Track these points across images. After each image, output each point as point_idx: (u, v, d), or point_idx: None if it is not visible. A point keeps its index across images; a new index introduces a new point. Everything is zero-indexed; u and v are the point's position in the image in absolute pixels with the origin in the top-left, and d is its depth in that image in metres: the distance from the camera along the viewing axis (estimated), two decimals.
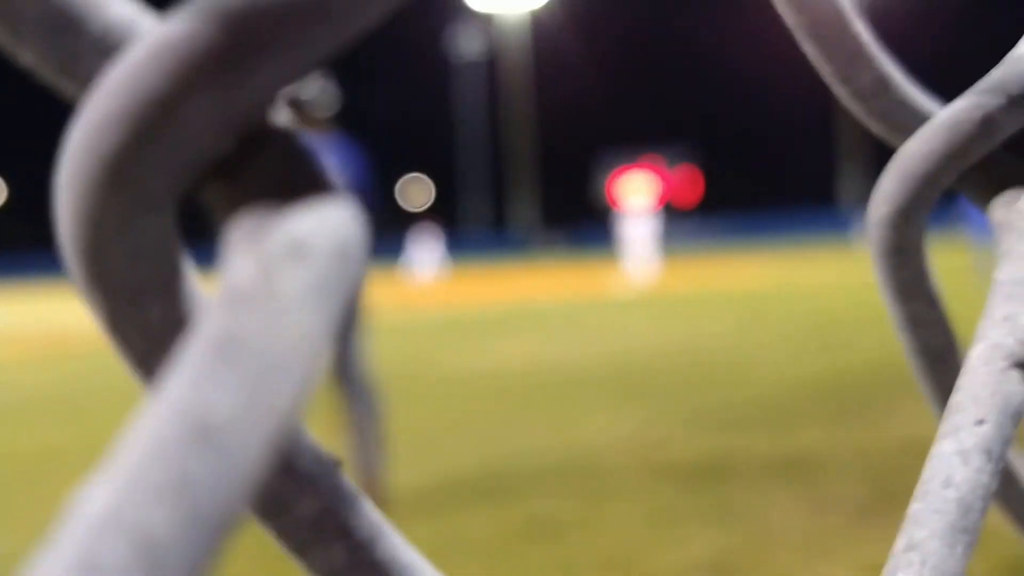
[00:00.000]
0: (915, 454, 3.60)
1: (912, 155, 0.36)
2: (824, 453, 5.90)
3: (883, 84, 0.37)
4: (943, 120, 0.36)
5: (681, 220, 62.60)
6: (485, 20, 69.81)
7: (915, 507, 0.31)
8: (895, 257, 0.38)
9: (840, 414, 7.01)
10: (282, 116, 0.19)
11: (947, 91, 0.37)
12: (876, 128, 0.38)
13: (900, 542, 0.30)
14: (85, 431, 7.42)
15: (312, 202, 0.18)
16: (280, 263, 0.17)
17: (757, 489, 5.24)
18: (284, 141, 0.19)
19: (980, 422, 0.32)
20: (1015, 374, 0.33)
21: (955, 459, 0.31)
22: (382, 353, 12.33)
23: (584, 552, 4.39)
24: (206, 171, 0.18)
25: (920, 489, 0.31)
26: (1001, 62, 0.36)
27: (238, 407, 0.16)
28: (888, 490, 5.03)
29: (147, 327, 0.18)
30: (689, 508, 4.96)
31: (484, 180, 75.78)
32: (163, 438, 0.15)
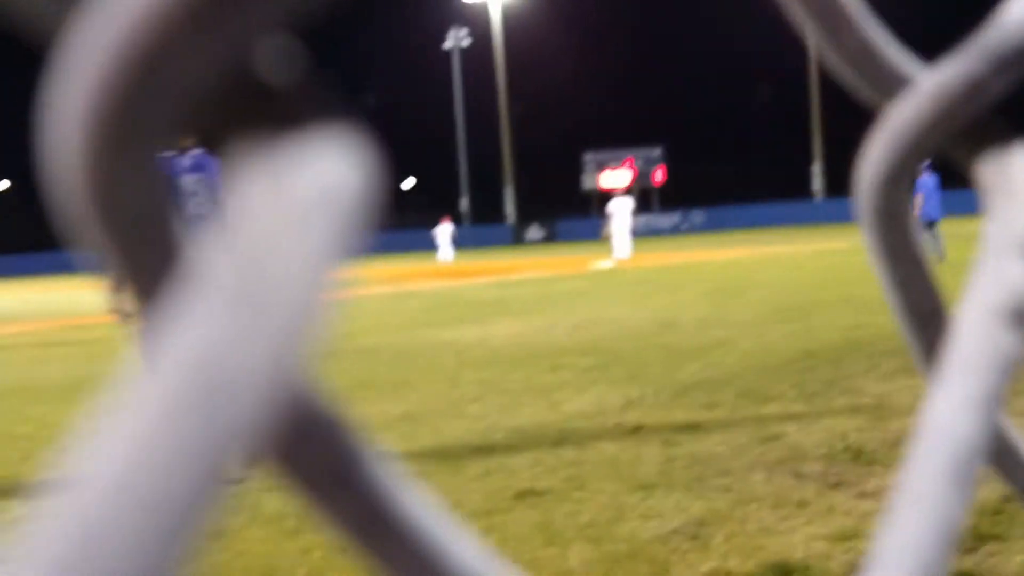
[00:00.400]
0: (883, 424, 3.62)
1: (899, 120, 0.35)
2: (797, 423, 5.92)
3: (868, 48, 0.36)
4: (930, 84, 0.35)
5: (660, 212, 63.37)
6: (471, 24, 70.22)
7: (911, 462, 0.30)
8: (883, 221, 0.36)
9: (811, 385, 7.03)
10: (278, 56, 0.17)
11: (934, 54, 0.36)
12: (862, 92, 0.37)
13: (898, 498, 0.29)
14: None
15: (313, 145, 0.17)
16: (278, 208, 0.16)
17: (733, 458, 5.25)
18: (282, 80, 0.17)
19: (971, 376, 0.31)
20: (1003, 328, 0.32)
21: (947, 413, 0.30)
22: (376, 326, 12.30)
23: (567, 520, 4.39)
24: (202, 111, 0.17)
25: (914, 443, 0.30)
26: (988, 23, 0.35)
27: (245, 359, 0.15)
28: (858, 457, 5.06)
29: (144, 268, 0.17)
30: (667, 477, 4.97)
31: (477, 177, 76.53)
32: (175, 395, 0.14)
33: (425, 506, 0.22)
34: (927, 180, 21.01)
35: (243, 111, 0.17)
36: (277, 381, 0.15)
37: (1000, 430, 0.37)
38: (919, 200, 20.86)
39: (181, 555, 0.13)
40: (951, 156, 0.37)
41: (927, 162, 22.91)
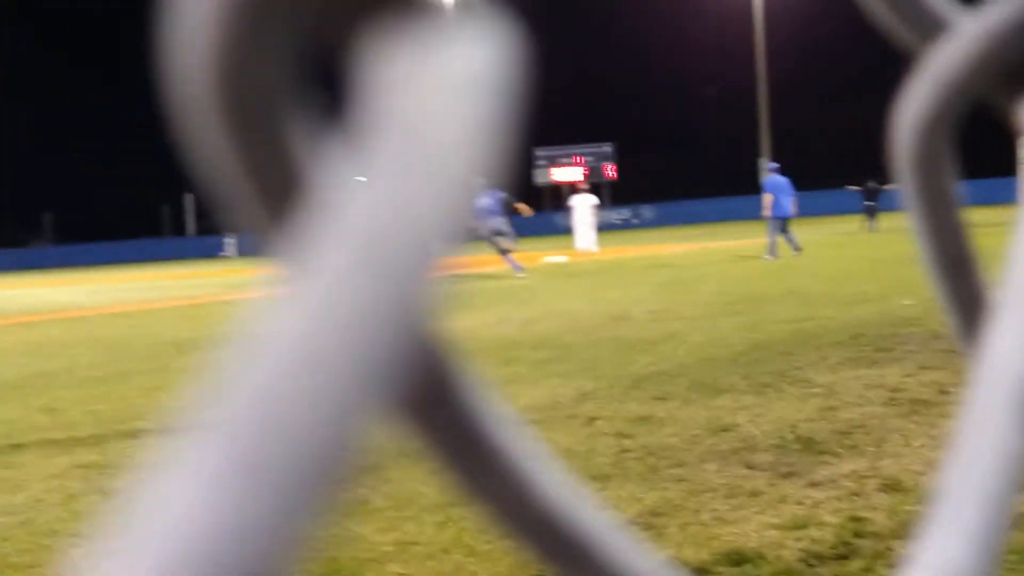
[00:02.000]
0: (832, 414, 3.65)
1: (942, 62, 0.35)
2: (748, 413, 5.97)
3: None
4: (973, 27, 0.35)
5: (611, 207, 64.04)
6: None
7: (972, 398, 0.29)
8: (921, 166, 0.36)
9: (761, 377, 7.10)
10: None
11: None
12: (903, 35, 0.36)
13: (961, 434, 0.28)
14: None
15: (457, 28, 0.16)
16: (432, 86, 0.15)
17: (686, 449, 5.28)
18: None
19: None
20: None
21: (1007, 348, 0.30)
22: None
23: None
24: (328, 9, 0.16)
25: (974, 385, 0.30)
26: None
27: (415, 227, 0.14)
28: (808, 447, 5.11)
29: (271, 165, 0.16)
30: (622, 468, 4.99)
31: None
32: (353, 258, 0.13)
33: (518, 435, 0.22)
34: (778, 180, 21.91)
35: None
36: (439, 256, 0.14)
37: None
38: (769, 199, 21.93)
39: (362, 420, 0.12)
40: (992, 100, 0.36)
41: (775, 165, 23.78)
